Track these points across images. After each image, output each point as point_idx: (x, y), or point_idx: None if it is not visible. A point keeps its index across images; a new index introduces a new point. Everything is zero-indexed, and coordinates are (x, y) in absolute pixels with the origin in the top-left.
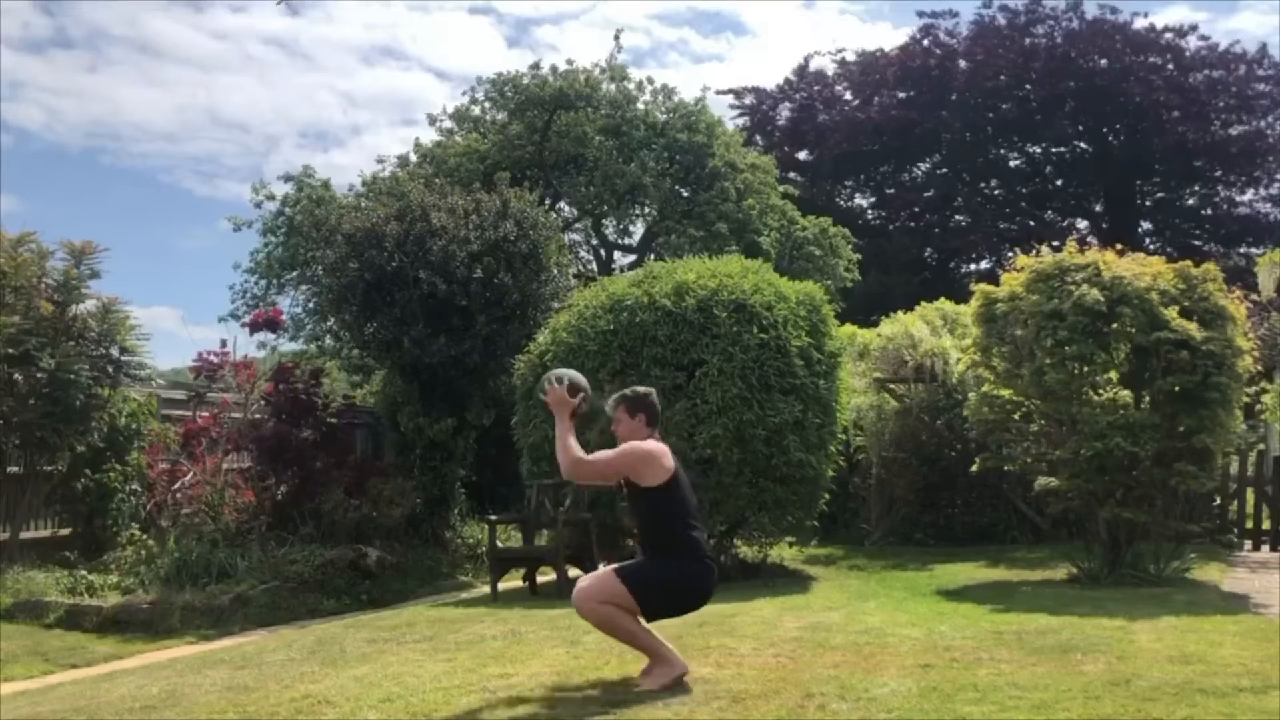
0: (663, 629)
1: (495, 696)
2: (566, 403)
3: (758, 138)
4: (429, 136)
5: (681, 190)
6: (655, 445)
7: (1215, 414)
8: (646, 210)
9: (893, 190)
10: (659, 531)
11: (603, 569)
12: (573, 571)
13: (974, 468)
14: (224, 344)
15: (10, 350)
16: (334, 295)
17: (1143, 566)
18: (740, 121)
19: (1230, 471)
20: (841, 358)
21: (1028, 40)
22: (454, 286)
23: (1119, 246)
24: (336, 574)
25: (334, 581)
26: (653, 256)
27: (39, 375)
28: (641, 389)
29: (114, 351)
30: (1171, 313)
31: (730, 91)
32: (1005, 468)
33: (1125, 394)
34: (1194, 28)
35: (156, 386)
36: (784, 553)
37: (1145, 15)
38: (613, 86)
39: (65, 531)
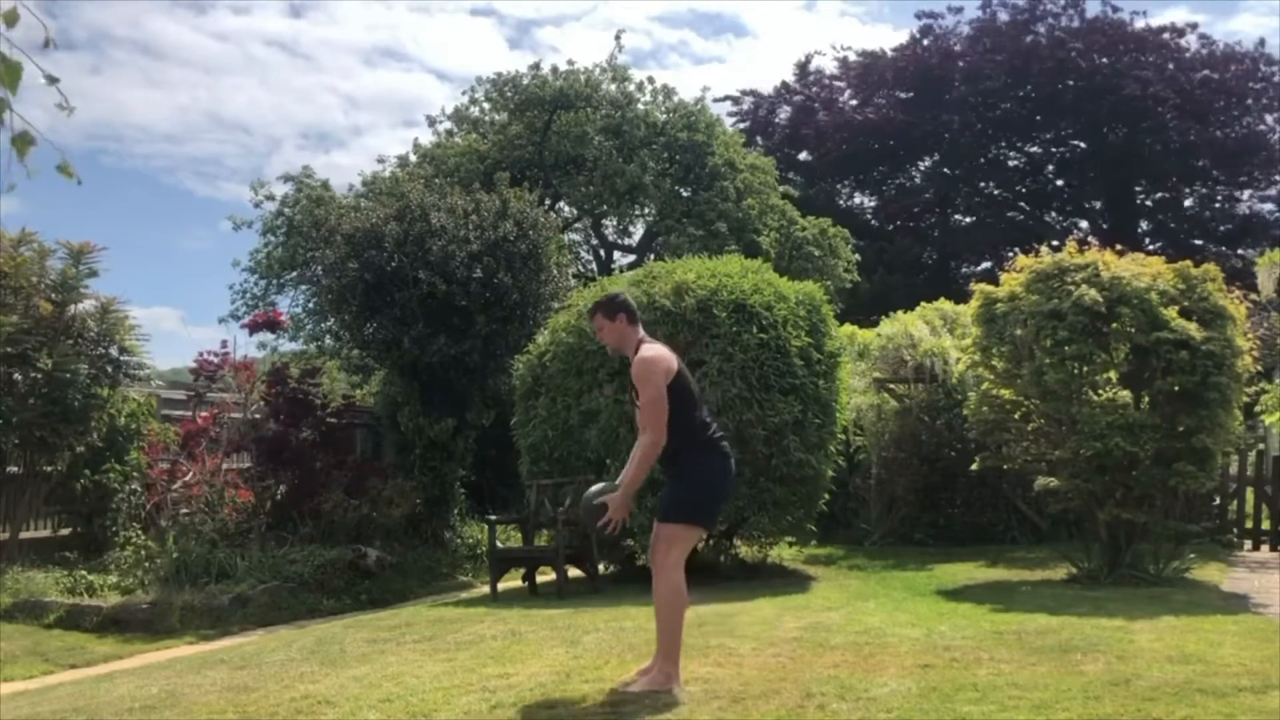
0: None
1: (495, 696)
2: (623, 502)
3: (758, 139)
4: (429, 137)
5: (681, 190)
6: (654, 349)
7: (1215, 414)
8: (646, 210)
9: (892, 190)
10: (680, 428)
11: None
12: (573, 571)
13: (973, 467)
14: (224, 344)
15: (9, 350)
16: (333, 295)
17: (1142, 566)
18: (740, 126)
19: (1230, 471)
20: (841, 358)
21: (1027, 39)
22: (454, 286)
23: (1119, 247)
24: (336, 574)
25: (333, 581)
26: (652, 256)
27: (36, 375)
28: (610, 291)
29: (113, 351)
30: (1171, 313)
31: (728, 98)
32: (1005, 466)
33: (1125, 394)
34: (1193, 26)
35: (156, 387)
36: (784, 553)
37: (1144, 14)
38: (613, 87)
39: (65, 531)
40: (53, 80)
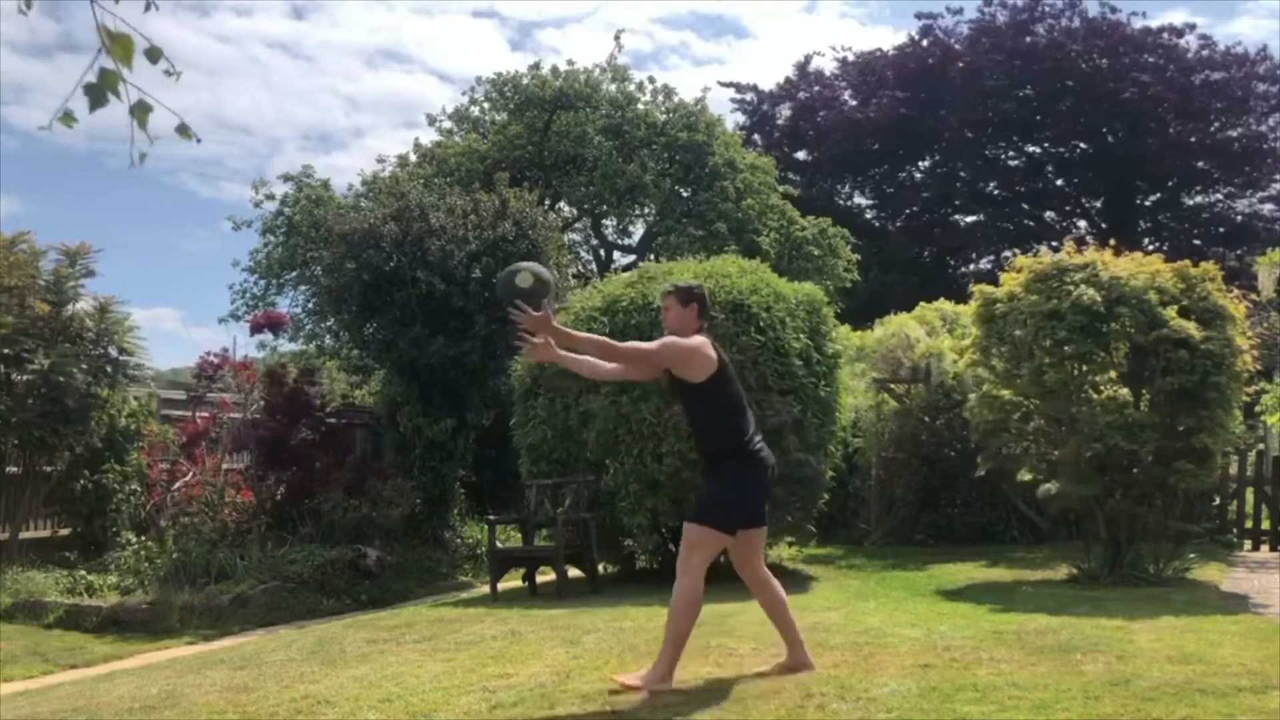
0: (659, 630)
1: (495, 696)
2: (547, 321)
3: (757, 137)
4: (429, 137)
5: (681, 190)
6: (697, 338)
7: (1214, 413)
8: (646, 210)
9: (892, 190)
10: (715, 430)
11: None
12: (573, 571)
13: (978, 472)
14: (225, 350)
15: (6, 350)
16: (332, 295)
17: (1142, 566)
18: (740, 119)
19: (1230, 471)
20: (841, 359)
21: (1027, 39)
22: (452, 286)
23: (1113, 242)
24: (336, 574)
25: (333, 581)
26: (652, 256)
27: (34, 375)
28: (693, 281)
29: (111, 352)
30: (1170, 312)
31: (732, 85)
32: (1017, 478)
33: (1124, 393)
34: (1193, 27)
35: (155, 387)
36: (783, 553)
37: (1144, 15)
38: (613, 87)
39: (65, 531)
40: (157, 54)
